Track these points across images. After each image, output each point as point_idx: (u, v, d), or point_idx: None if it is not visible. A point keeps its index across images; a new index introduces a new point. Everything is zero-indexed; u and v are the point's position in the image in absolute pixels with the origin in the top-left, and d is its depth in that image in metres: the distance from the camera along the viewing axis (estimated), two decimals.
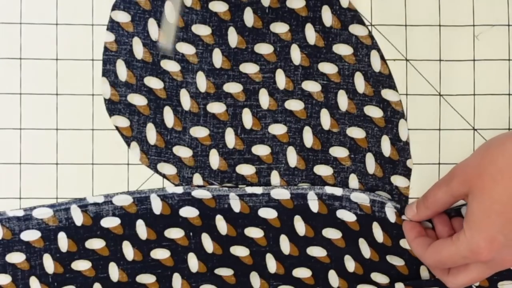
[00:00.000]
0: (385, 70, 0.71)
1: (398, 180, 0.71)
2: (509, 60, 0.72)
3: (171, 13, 0.70)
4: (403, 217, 0.70)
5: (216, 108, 0.71)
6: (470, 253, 0.63)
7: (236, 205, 0.71)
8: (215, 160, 0.71)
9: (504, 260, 0.63)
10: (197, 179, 0.71)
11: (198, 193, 0.70)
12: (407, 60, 0.72)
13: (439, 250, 0.65)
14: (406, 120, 0.71)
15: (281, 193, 0.71)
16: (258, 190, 0.70)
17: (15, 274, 0.70)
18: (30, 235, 0.70)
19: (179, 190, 0.70)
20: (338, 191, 0.70)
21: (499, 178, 0.62)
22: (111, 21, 0.71)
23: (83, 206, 0.70)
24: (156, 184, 0.71)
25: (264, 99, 0.71)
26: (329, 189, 0.71)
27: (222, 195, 0.71)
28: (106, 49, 0.71)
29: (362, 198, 0.70)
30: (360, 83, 0.71)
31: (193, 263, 0.71)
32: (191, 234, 0.70)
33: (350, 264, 0.71)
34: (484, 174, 0.63)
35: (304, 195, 0.70)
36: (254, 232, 0.71)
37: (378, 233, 0.71)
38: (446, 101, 0.72)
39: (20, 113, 0.71)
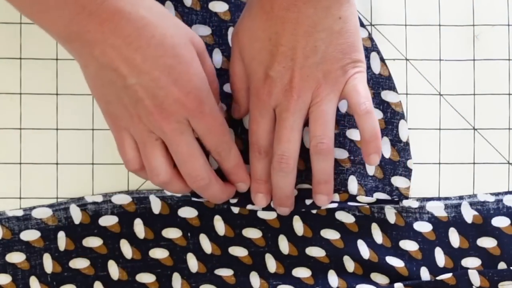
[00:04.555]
0: (385, 72, 0.71)
1: (398, 181, 0.71)
2: (509, 60, 0.72)
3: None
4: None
5: None
6: (257, 100, 0.66)
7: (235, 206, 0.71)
8: (214, 160, 0.71)
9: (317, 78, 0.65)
10: None
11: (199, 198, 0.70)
12: (407, 60, 0.72)
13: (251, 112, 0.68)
14: (406, 120, 0.71)
15: None
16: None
17: (15, 274, 0.70)
18: (30, 235, 0.70)
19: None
20: (335, 197, 0.70)
21: (241, 37, 0.66)
22: None
23: (82, 205, 0.70)
24: None
25: None
26: None
27: None
28: None
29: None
30: None
31: (193, 263, 0.70)
32: (189, 234, 0.70)
33: (349, 264, 0.70)
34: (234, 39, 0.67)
35: None
36: (252, 233, 0.70)
37: (377, 234, 0.70)
38: (446, 101, 0.72)
39: (20, 113, 0.71)
